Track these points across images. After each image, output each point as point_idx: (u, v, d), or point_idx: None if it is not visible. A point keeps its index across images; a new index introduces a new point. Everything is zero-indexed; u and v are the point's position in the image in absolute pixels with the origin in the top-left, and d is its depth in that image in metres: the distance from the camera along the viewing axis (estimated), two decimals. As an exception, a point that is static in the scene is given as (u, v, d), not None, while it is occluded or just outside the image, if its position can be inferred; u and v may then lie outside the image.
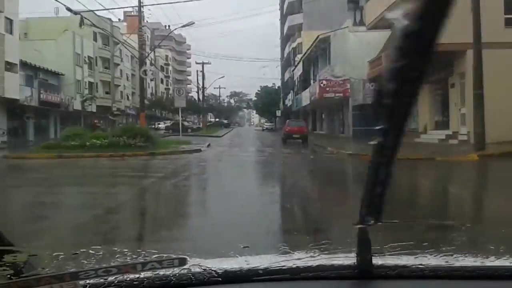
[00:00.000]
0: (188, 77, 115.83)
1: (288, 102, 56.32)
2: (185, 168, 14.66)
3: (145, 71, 28.18)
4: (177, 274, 1.23)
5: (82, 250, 1.73)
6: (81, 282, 1.11)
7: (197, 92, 65.70)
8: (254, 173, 14.07)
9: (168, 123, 58.04)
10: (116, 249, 1.81)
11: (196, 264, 1.28)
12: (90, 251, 1.67)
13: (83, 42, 51.60)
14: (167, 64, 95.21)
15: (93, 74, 55.32)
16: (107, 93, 59.58)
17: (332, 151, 21.70)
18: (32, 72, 42.95)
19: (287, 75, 60.94)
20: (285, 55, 63.31)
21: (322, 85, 33.26)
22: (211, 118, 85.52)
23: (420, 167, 14.46)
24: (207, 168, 15.55)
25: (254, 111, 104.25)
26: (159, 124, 58.56)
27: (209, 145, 26.30)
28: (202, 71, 63.89)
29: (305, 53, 40.05)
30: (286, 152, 22.14)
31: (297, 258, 1.41)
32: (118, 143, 19.96)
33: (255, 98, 76.95)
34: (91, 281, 1.15)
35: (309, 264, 1.33)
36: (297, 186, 10.57)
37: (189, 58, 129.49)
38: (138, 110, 68.01)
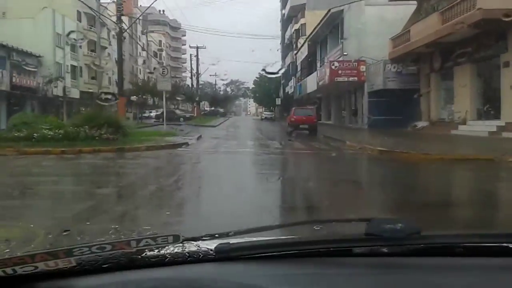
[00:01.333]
0: (184, 65, 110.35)
1: (290, 90, 51.24)
2: (155, 175, 9.66)
3: (123, 37, 23.06)
4: (172, 252, 1.20)
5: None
6: (75, 258, 1.10)
7: (191, 78, 60.45)
8: (263, 192, 7.85)
9: (159, 111, 52.84)
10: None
11: (190, 242, 1.26)
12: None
13: (65, 21, 46.18)
14: (161, 50, 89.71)
15: (76, 57, 49.98)
16: (93, 78, 54.27)
17: (353, 146, 16.81)
18: (4, 52, 37.68)
19: (288, 60, 55.81)
20: (286, 39, 58.11)
21: (333, 67, 28.23)
22: (206, 107, 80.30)
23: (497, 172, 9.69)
24: (187, 176, 10.15)
25: (252, 100, 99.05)
26: (150, 112, 53.18)
27: (200, 137, 21.35)
28: (197, 56, 58.79)
29: (312, 32, 34.92)
30: (297, 148, 17.19)
31: (292, 236, 1.47)
32: (77, 134, 14.97)
33: (253, 86, 71.73)
34: (85, 257, 1.12)
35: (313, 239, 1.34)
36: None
37: (184, 45, 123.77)
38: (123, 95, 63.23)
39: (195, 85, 58.56)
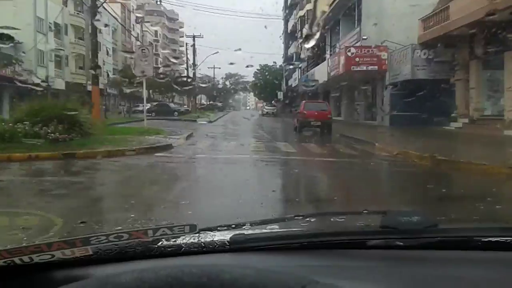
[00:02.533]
0: (182, 57, 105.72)
1: (293, 82, 46.89)
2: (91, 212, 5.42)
3: (97, 20, 18.68)
4: (188, 242, 1.20)
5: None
6: (92, 247, 1.09)
7: (186, 69, 55.98)
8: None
9: (152, 105, 48.18)
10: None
11: (206, 232, 1.26)
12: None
13: (48, 4, 41.68)
14: (157, 41, 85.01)
15: (61, 44, 45.49)
16: (80, 68, 49.83)
17: (386, 150, 12.66)
18: (-24, 37, 33.26)
19: (292, 51, 51.39)
20: (289, 29, 53.66)
21: (349, 54, 23.87)
22: (205, 101, 75.86)
23: None
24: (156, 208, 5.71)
25: (252, 94, 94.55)
26: (137, 106, 48.33)
27: (190, 135, 17.07)
28: (193, 45, 54.39)
29: (322, 16, 30.46)
30: (315, 152, 12.89)
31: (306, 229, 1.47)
32: (16, 133, 10.67)
33: (253, 79, 67.28)
34: (102, 246, 1.10)
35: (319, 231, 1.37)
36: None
37: (182, 37, 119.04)
38: (119, 89, 58.78)
39: (191, 76, 54.08)
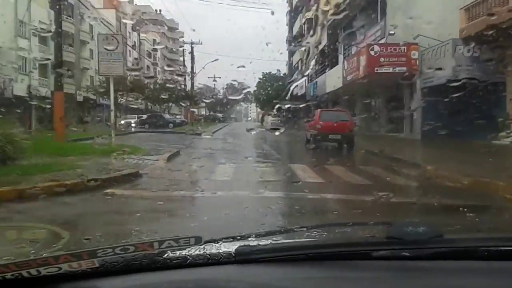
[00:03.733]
0: (181, 68, 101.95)
1: (299, 91, 42.77)
2: None
3: (59, 9, 14.54)
4: (193, 254, 1.20)
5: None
6: (99, 259, 1.09)
7: (184, 77, 51.99)
8: None
9: (142, 116, 43.84)
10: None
11: (211, 244, 1.26)
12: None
13: (31, 6, 37.79)
14: (155, 50, 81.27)
15: (47, 51, 41.53)
16: (70, 77, 45.82)
17: (451, 178, 8.52)
18: None
19: (296, 58, 47.37)
20: (294, 34, 49.72)
21: (372, 53, 19.73)
22: (204, 111, 71.72)
23: None
24: None
25: (254, 104, 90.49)
26: (125, 118, 43.82)
27: (175, 154, 12.88)
28: (191, 52, 50.68)
29: (336, 12, 26.35)
30: (354, 183, 8.49)
31: (314, 239, 1.49)
32: None
33: (255, 89, 63.09)
34: (109, 258, 1.11)
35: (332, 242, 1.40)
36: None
37: (182, 46, 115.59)
38: (114, 100, 54.49)
39: (189, 86, 50.14)
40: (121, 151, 11.36)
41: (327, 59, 30.04)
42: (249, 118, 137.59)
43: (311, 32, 38.31)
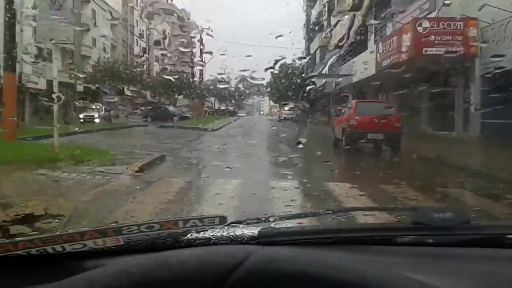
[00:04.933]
0: (192, 58, 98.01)
1: (318, 82, 38.51)
2: None
3: None
4: (216, 234, 1.19)
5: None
6: (123, 237, 1.08)
7: (191, 66, 47.99)
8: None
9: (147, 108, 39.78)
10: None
11: (236, 225, 1.24)
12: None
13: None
14: (164, 39, 77.29)
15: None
16: (69, 64, 42.21)
17: None
18: None
19: (315, 46, 43.04)
20: (312, 20, 45.39)
21: (420, 29, 15.51)
22: (213, 104, 67.64)
23: None
24: None
25: (267, 98, 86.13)
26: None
27: (157, 160, 8.89)
28: (201, 40, 46.85)
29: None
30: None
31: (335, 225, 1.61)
32: None
33: (270, 79, 58.66)
34: (133, 236, 1.10)
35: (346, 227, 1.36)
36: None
37: (194, 37, 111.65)
38: (116, 89, 50.61)
39: (198, 77, 46.21)
40: (69, 157, 7.39)
41: (354, 44, 25.74)
42: (262, 112, 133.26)
43: (333, 15, 34.01)
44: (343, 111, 14.16)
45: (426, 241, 1.18)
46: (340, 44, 30.20)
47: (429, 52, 15.14)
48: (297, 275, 0.63)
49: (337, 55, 31.39)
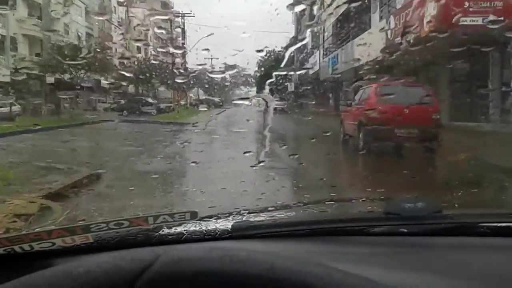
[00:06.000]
0: (173, 45, 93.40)
1: (312, 68, 35.04)
2: None
3: None
4: (189, 229, 1.17)
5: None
6: (93, 234, 1.06)
7: (172, 55, 44.15)
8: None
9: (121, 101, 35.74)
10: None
11: (207, 219, 1.23)
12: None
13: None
14: (146, 29, 72.92)
15: (4, 22, 33.83)
16: (37, 55, 38.16)
17: None
18: None
19: (306, 30, 39.46)
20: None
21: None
22: (196, 95, 63.69)
23: None
24: None
25: (254, 89, 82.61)
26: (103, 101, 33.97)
27: (62, 198, 5.35)
28: (183, 25, 43.26)
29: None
30: None
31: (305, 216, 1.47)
32: None
33: (256, 70, 55.13)
34: (103, 233, 1.08)
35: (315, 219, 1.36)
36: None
37: (178, 27, 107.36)
38: (96, 81, 46.24)
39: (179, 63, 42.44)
40: None
41: (355, 21, 22.25)
42: (249, 103, 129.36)
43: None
44: (357, 98, 10.71)
45: (399, 231, 1.17)
46: (336, 24, 26.72)
47: (464, 22, 11.71)
48: (206, 273, 0.63)
49: (332, 36, 27.89)
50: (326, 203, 1.77)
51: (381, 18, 18.97)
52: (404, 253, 1.09)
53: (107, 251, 1.05)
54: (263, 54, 50.87)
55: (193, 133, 15.68)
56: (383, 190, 4.21)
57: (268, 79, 50.86)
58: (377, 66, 16.10)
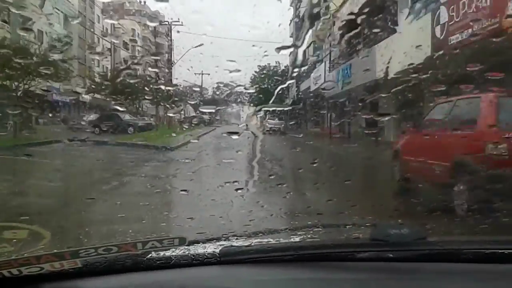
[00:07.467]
0: (161, 58, 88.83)
1: (313, 84, 30.59)
2: None
3: None
4: (177, 254, 1.15)
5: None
6: (81, 260, 1.04)
7: (157, 69, 39.55)
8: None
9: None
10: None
11: (196, 244, 1.21)
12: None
13: None
14: (134, 41, 68.50)
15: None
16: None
17: None
18: None
19: (306, 42, 35.24)
20: (301, 13, 37.76)
21: None
22: (191, 113, 59.03)
23: None
24: None
25: (247, 106, 78.10)
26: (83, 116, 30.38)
27: None
28: (170, 34, 39.31)
29: None
30: None
31: (299, 241, 1.42)
32: None
33: (250, 84, 50.73)
34: (91, 259, 1.06)
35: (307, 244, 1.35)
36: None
37: (168, 41, 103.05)
38: (75, 93, 41.25)
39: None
40: None
41: (373, 24, 17.80)
42: (242, 122, 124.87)
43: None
44: (438, 117, 6.11)
45: (385, 257, 1.16)
46: (347, 32, 22.30)
47: None
48: None
49: (340, 45, 23.50)
50: (314, 229, 1.73)
51: (417, 14, 14.54)
52: (390, 279, 1.08)
53: (95, 276, 1.03)
54: (257, 69, 46.64)
55: (165, 163, 10.94)
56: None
57: (262, 96, 46.20)
58: (422, 75, 11.42)
